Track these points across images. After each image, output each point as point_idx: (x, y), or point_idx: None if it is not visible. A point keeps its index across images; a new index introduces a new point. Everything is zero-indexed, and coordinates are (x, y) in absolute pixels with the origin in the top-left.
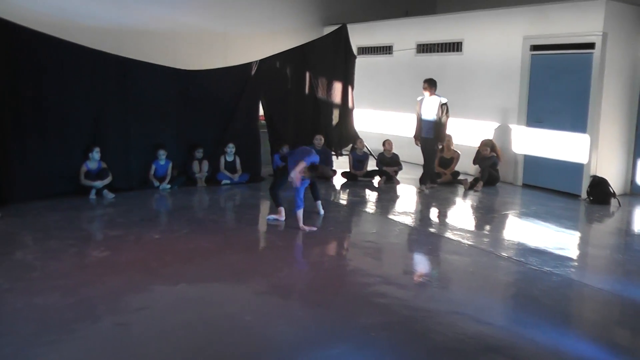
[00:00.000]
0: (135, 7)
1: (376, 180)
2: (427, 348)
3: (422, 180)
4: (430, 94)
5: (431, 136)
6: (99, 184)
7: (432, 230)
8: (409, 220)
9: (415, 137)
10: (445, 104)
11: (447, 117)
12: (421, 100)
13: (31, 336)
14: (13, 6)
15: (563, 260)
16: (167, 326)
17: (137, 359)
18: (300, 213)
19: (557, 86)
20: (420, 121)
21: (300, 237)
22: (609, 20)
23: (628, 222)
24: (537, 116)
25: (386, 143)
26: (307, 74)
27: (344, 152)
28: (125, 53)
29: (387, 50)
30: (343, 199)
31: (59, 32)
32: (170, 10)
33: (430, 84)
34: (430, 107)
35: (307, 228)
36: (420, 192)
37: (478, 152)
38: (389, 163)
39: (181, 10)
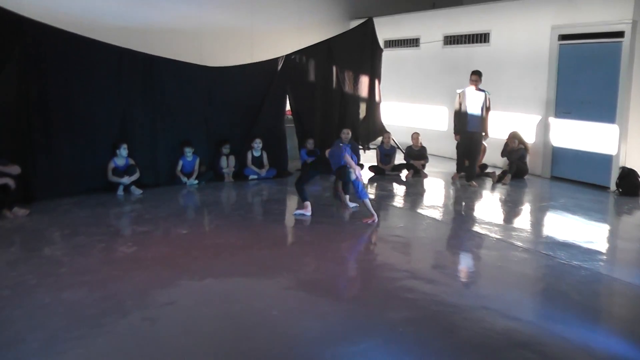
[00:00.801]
0: (162, 6)
1: (404, 174)
2: (454, 343)
3: (470, 176)
4: (477, 88)
5: (478, 130)
6: (126, 180)
7: (460, 224)
8: (436, 214)
9: (456, 132)
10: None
11: (489, 109)
12: (463, 93)
13: (59, 331)
14: (41, 6)
15: (592, 253)
16: (194, 321)
17: (164, 354)
18: (368, 202)
19: (586, 76)
20: (464, 115)
21: (327, 232)
22: (639, 7)
23: None
24: (565, 107)
25: (414, 136)
26: (334, 68)
27: (371, 146)
28: (152, 51)
29: (413, 42)
30: (371, 192)
31: (86, 31)
32: (196, 8)
33: (480, 77)
34: (477, 101)
35: (372, 220)
36: (470, 187)
37: (506, 145)
38: (417, 156)
39: (207, 8)
